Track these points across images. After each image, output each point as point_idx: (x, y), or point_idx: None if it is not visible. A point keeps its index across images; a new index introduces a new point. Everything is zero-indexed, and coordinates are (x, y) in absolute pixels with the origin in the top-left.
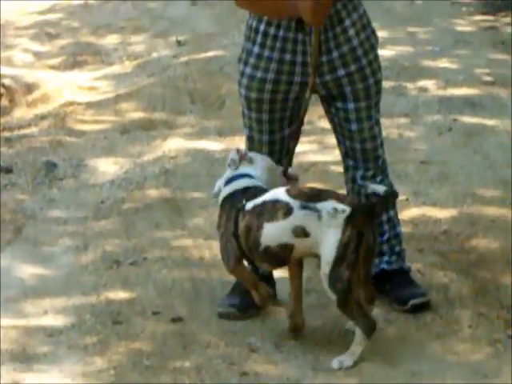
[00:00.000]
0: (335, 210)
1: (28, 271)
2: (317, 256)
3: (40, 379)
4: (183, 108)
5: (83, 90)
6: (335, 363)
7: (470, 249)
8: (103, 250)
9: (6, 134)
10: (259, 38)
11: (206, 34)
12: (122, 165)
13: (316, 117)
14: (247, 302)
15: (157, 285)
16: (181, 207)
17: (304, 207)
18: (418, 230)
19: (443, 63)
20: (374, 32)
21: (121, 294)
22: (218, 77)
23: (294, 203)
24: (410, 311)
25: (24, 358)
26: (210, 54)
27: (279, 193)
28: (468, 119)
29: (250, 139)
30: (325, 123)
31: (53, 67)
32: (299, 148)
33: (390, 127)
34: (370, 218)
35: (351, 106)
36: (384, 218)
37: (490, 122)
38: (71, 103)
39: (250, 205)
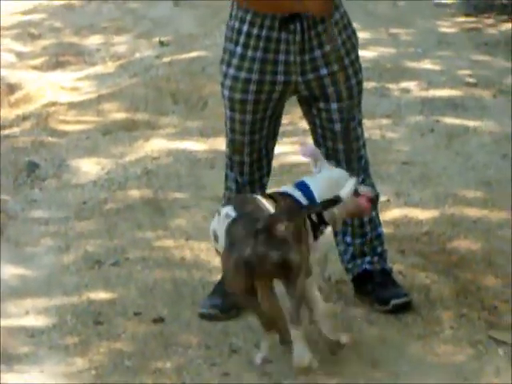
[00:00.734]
0: (227, 214)
1: (9, 271)
2: None
3: (21, 379)
4: (166, 108)
5: (65, 91)
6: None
7: (451, 250)
8: (85, 251)
9: None
10: (242, 39)
11: (189, 35)
12: (104, 165)
13: (297, 118)
14: (229, 302)
15: (138, 285)
16: (163, 208)
17: (217, 211)
18: (400, 231)
19: (426, 64)
20: (354, 32)
21: (102, 295)
22: (200, 77)
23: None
24: (392, 311)
25: (5, 358)
26: (193, 54)
27: None
28: (450, 120)
29: (231, 141)
30: (306, 124)
31: (35, 67)
32: (281, 149)
33: (372, 128)
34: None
35: (334, 106)
36: (365, 218)
37: (472, 124)
38: (53, 103)
39: None
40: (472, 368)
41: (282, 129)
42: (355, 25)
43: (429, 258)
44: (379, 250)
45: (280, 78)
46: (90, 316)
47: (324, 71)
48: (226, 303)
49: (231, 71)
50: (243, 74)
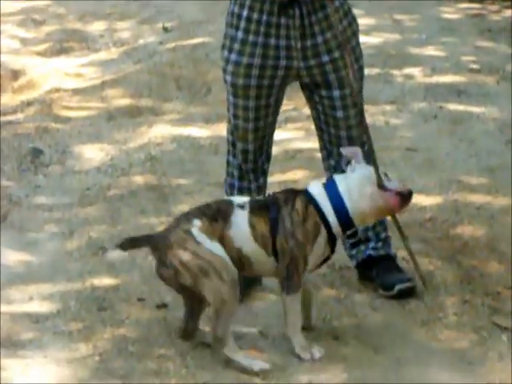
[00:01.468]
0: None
1: (13, 257)
2: None
3: (25, 365)
4: (169, 94)
5: (69, 77)
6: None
7: (455, 236)
8: (89, 237)
9: None
10: (243, 24)
11: (193, 21)
12: (107, 151)
13: (302, 104)
14: None
15: (142, 271)
16: (166, 194)
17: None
18: (404, 217)
19: (429, 51)
20: (354, 19)
21: (106, 281)
22: (204, 63)
23: None
24: (396, 297)
25: (9, 343)
26: (197, 40)
27: None
28: (454, 107)
29: (234, 127)
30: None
31: (39, 53)
32: (285, 135)
33: (376, 114)
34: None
35: (336, 93)
36: None
37: (475, 110)
38: (57, 90)
39: None
40: (475, 354)
41: (286, 114)
42: (359, 11)
43: (432, 244)
44: (383, 235)
45: (282, 62)
46: (93, 302)
47: (326, 58)
48: None
49: (233, 56)
50: (245, 59)
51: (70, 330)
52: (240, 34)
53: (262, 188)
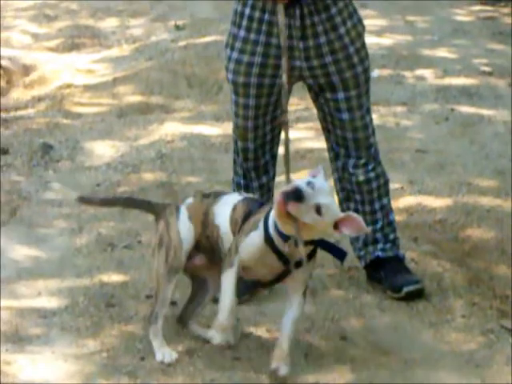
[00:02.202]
0: None
1: (22, 253)
2: None
3: (32, 360)
4: (180, 92)
5: (81, 73)
6: None
7: (464, 238)
8: (98, 233)
9: (3, 115)
10: (245, 22)
11: (205, 19)
12: (118, 148)
13: (312, 103)
14: (241, 288)
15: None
16: (176, 191)
17: None
18: (413, 218)
19: (441, 52)
20: (360, 20)
21: (114, 277)
22: (215, 62)
23: None
24: (404, 299)
25: (17, 339)
26: (209, 38)
27: None
28: (465, 109)
29: (235, 125)
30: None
31: (51, 49)
32: (296, 134)
33: (387, 115)
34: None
35: (341, 95)
36: (377, 205)
37: (487, 112)
38: (69, 85)
39: None
40: (483, 356)
41: (297, 114)
42: (372, 12)
43: (442, 246)
44: (391, 236)
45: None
46: (102, 298)
47: (329, 59)
48: (238, 288)
49: (234, 54)
50: (246, 57)
51: (77, 326)
52: (242, 33)
53: (264, 187)
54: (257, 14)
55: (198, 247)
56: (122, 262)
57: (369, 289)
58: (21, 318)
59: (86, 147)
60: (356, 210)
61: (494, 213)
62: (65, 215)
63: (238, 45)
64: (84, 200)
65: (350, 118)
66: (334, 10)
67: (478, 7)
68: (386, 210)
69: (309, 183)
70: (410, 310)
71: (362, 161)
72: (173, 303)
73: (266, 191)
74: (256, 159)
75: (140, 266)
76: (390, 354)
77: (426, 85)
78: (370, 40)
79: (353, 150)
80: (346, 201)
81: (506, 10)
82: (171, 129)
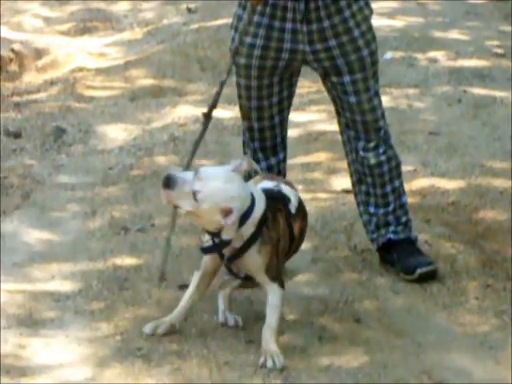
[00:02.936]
0: None
1: (35, 236)
2: None
3: (46, 344)
4: (193, 75)
5: (93, 56)
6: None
7: (477, 220)
8: (111, 216)
9: (16, 98)
10: (249, 5)
11: (217, 2)
12: (130, 131)
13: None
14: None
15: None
16: None
17: None
18: (426, 200)
19: (454, 34)
20: (367, 3)
21: (128, 261)
22: (227, 45)
23: None
24: (417, 280)
25: (30, 322)
26: (221, 21)
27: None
28: (477, 91)
29: (240, 107)
30: None
31: (63, 33)
32: (308, 117)
33: (400, 98)
34: None
35: (347, 78)
36: (388, 188)
37: (499, 94)
38: (81, 69)
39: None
40: (496, 338)
41: (309, 97)
42: None
43: (455, 228)
44: (404, 219)
45: (286, 45)
46: (115, 281)
47: (333, 42)
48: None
49: (237, 36)
50: (248, 39)
51: (91, 310)
52: (245, 14)
53: (272, 168)
54: None
55: None
56: (136, 245)
57: (382, 271)
58: (35, 302)
59: (99, 131)
60: (367, 193)
61: (506, 194)
62: (78, 199)
63: (241, 26)
64: None
65: (357, 100)
66: None
67: None
68: (398, 192)
69: (196, 172)
70: (424, 292)
71: (372, 144)
72: (186, 286)
73: (276, 173)
74: (262, 140)
75: (153, 249)
76: (404, 336)
77: (438, 67)
78: (382, 22)
79: (362, 132)
80: (358, 183)
81: None
82: (184, 112)
